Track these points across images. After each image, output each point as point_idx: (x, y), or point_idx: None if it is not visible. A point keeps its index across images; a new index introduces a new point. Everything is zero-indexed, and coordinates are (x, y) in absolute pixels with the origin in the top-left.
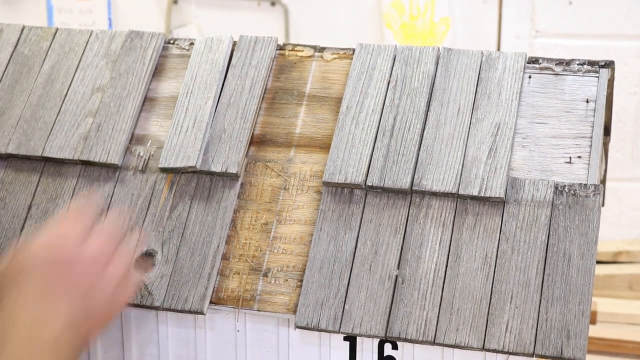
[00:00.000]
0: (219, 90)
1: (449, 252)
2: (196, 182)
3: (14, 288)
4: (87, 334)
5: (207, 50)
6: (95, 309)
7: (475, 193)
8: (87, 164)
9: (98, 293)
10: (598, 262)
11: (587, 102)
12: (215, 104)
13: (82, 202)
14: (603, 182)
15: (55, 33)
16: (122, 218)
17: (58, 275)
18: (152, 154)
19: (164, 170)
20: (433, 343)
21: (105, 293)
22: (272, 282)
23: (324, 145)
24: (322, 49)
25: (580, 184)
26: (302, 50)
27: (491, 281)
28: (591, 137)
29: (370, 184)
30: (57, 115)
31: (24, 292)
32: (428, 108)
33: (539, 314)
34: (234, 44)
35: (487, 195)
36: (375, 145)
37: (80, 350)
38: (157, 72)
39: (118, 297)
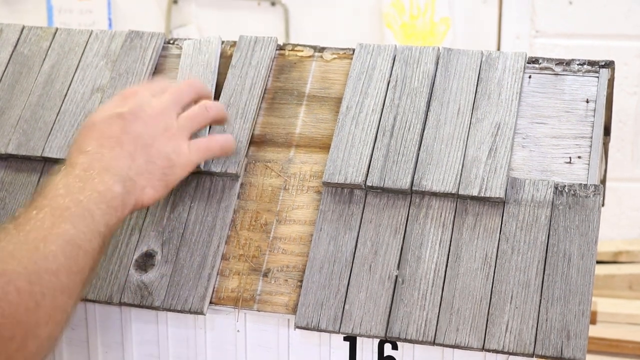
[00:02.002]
0: (214, 91)
1: (449, 252)
2: (196, 182)
3: (76, 142)
4: (141, 194)
5: (197, 52)
6: (154, 165)
7: (475, 193)
8: None
9: (158, 148)
10: (598, 262)
11: (587, 102)
12: None
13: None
14: (603, 182)
15: (55, 33)
16: (192, 87)
17: (118, 126)
18: None
19: None
20: (433, 343)
21: (166, 150)
22: (272, 282)
23: (324, 146)
24: (322, 49)
25: (580, 184)
26: (302, 50)
27: (491, 281)
28: (591, 137)
29: (370, 184)
30: (57, 115)
31: (81, 143)
32: (428, 108)
33: (539, 314)
34: (223, 43)
35: (487, 195)
36: (375, 145)
37: (131, 210)
38: (157, 72)
39: (180, 161)
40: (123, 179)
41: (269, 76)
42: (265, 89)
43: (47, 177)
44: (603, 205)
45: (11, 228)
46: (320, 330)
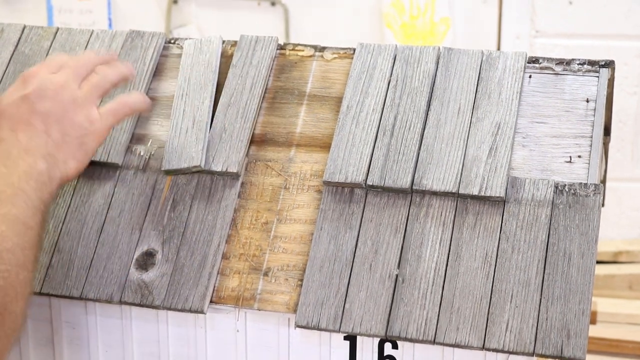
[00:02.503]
0: (214, 90)
1: (449, 251)
2: (196, 181)
3: None
4: (65, 167)
5: (198, 52)
6: (70, 137)
7: (475, 192)
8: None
9: (70, 120)
10: (598, 262)
11: (587, 101)
12: (212, 104)
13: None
14: (603, 182)
15: (56, 33)
16: (88, 58)
17: (26, 108)
18: (152, 153)
19: (169, 172)
20: (433, 342)
21: (78, 120)
22: (273, 281)
23: (325, 145)
24: (322, 49)
25: (581, 183)
26: (303, 50)
27: (491, 280)
28: (591, 137)
29: (371, 184)
30: None
31: None
32: (428, 107)
33: (539, 313)
34: (224, 43)
35: (488, 194)
36: (376, 144)
37: (60, 183)
38: (158, 71)
39: (94, 128)
40: (43, 155)
41: (269, 76)
42: (266, 89)
43: None
44: (603, 205)
45: None
46: (321, 330)
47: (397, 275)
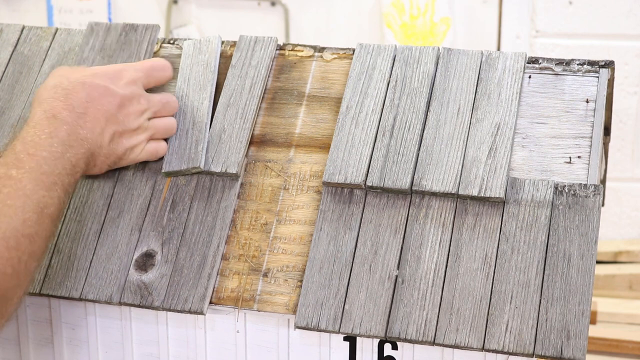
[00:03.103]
0: (214, 90)
1: (448, 252)
2: (196, 182)
3: (46, 100)
4: (92, 168)
5: (197, 52)
6: (117, 151)
7: (475, 193)
8: None
9: (130, 139)
10: (598, 262)
11: (587, 102)
12: (211, 104)
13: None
14: (603, 182)
15: (55, 33)
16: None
17: (64, 95)
18: None
19: (169, 174)
20: (433, 343)
21: (129, 143)
22: (272, 282)
23: (324, 145)
24: (322, 49)
25: (580, 184)
26: (302, 50)
27: (491, 281)
28: (591, 137)
29: (370, 184)
30: None
31: (32, 114)
32: (428, 108)
33: (538, 314)
34: (223, 43)
35: (487, 195)
36: (375, 145)
37: (80, 173)
38: None
39: (131, 156)
40: (88, 154)
41: (269, 76)
42: (265, 89)
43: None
44: (603, 205)
45: None
46: (320, 330)
47: (396, 276)
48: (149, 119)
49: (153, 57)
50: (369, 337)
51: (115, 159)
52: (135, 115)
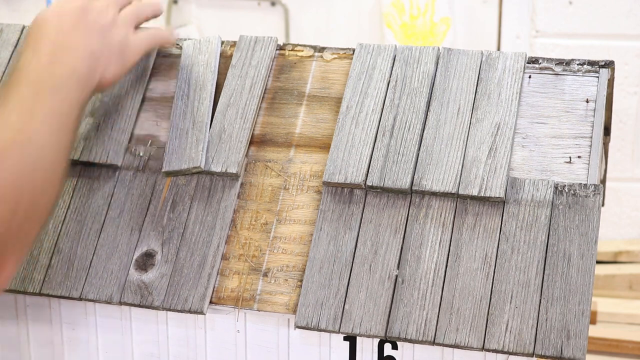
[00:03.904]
0: (214, 90)
1: (448, 252)
2: (196, 182)
3: (36, 30)
4: (104, 71)
5: (197, 52)
6: (111, 46)
7: (475, 193)
8: (87, 164)
9: (112, 33)
10: (598, 262)
11: (587, 102)
12: (212, 104)
13: None
14: (603, 182)
15: None
16: None
17: (74, 16)
18: (152, 154)
19: (169, 174)
20: (433, 343)
21: (120, 34)
22: (272, 282)
23: (324, 145)
24: (322, 49)
25: (580, 184)
26: (302, 50)
27: (491, 281)
28: (591, 137)
29: (370, 184)
30: None
31: (41, 31)
32: (428, 108)
33: (538, 314)
34: (223, 43)
35: (487, 195)
36: (375, 145)
37: (96, 87)
38: (158, 72)
39: (132, 44)
40: (87, 56)
41: (269, 76)
42: (265, 89)
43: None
44: (603, 205)
45: None
46: (320, 330)
47: (396, 276)
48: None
49: (153, 58)
50: (369, 337)
51: (117, 60)
52: (100, 11)
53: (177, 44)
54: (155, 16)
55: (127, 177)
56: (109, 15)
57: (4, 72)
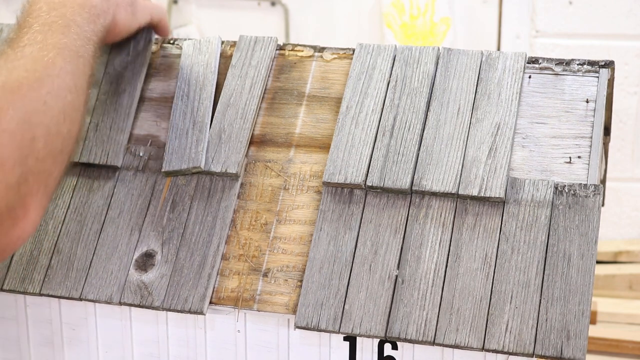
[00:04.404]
0: (214, 90)
1: (448, 252)
2: (196, 182)
3: None
4: (116, 11)
5: (197, 52)
6: None
7: (475, 193)
8: (87, 165)
9: None
10: (598, 262)
11: (587, 102)
12: (211, 104)
13: None
14: (603, 182)
15: None
16: None
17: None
18: (152, 154)
19: (169, 174)
20: (433, 343)
21: None
22: (272, 282)
23: (324, 145)
24: (322, 49)
25: (580, 184)
26: (302, 50)
27: (491, 281)
28: (591, 137)
29: (370, 184)
30: None
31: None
32: (428, 108)
33: (538, 314)
34: (223, 43)
35: (487, 195)
36: (375, 145)
37: (110, 27)
38: (157, 72)
39: (142, 2)
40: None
41: (269, 76)
42: (265, 89)
43: None
44: (603, 205)
45: (6, 48)
46: (320, 330)
47: (396, 276)
48: None
49: (152, 59)
50: (369, 337)
51: (128, 7)
52: None
53: (177, 44)
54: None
55: (127, 177)
56: None
57: None
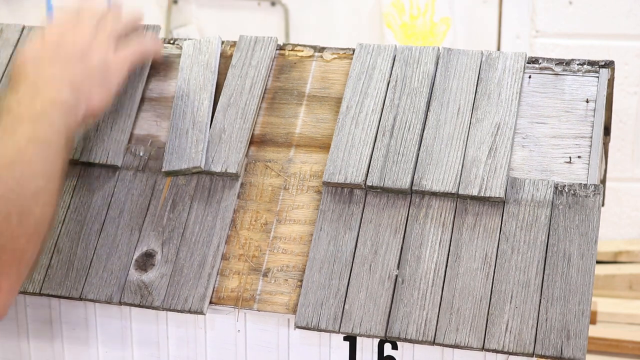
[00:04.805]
0: (214, 90)
1: (448, 252)
2: (196, 182)
3: (11, 82)
4: (89, 99)
5: (197, 52)
6: (91, 72)
7: (475, 193)
8: (87, 164)
9: (90, 58)
10: (598, 262)
11: (587, 102)
12: (212, 104)
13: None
14: (603, 182)
15: None
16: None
17: (47, 53)
18: (152, 154)
19: (169, 173)
20: (433, 343)
21: (98, 58)
22: (272, 282)
23: (324, 145)
24: (322, 49)
25: (580, 184)
26: (302, 50)
27: (491, 281)
28: (591, 137)
29: (370, 184)
30: None
31: (19, 73)
32: (428, 108)
33: (538, 314)
34: (223, 43)
35: (487, 195)
36: (375, 145)
37: (85, 116)
38: (158, 72)
39: (113, 68)
40: (67, 85)
41: (269, 76)
42: (265, 89)
43: None
44: (603, 205)
45: None
46: (320, 330)
47: (396, 276)
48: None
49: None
50: (369, 337)
51: (100, 84)
52: (76, 40)
53: (177, 44)
54: (137, 23)
55: (127, 177)
56: (85, 42)
57: (4, 72)
